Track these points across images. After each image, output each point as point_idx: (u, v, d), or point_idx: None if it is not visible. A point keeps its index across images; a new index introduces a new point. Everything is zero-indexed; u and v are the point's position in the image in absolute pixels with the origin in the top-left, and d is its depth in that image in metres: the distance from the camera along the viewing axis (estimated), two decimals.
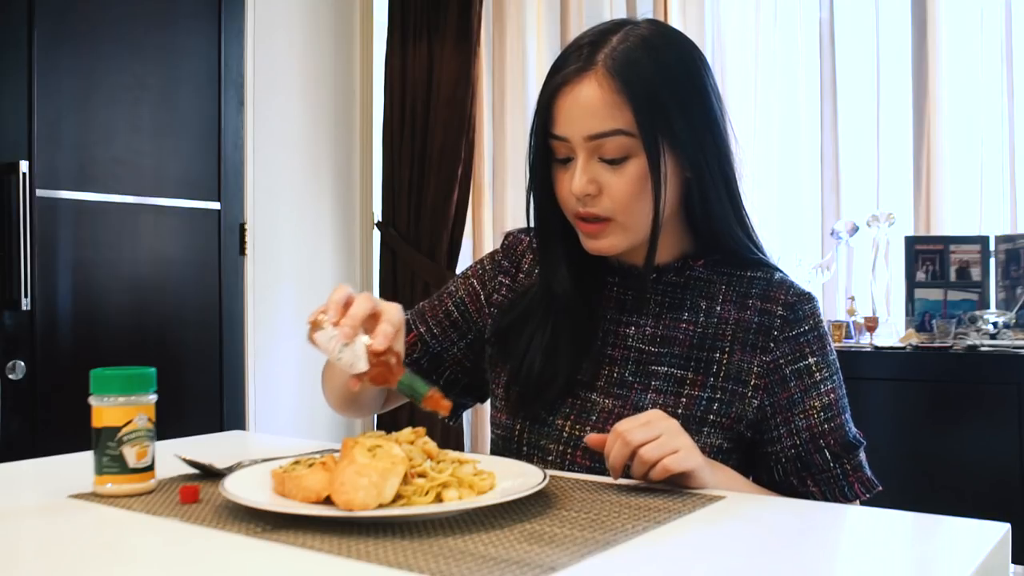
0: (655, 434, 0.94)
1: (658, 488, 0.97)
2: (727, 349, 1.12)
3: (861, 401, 2.49)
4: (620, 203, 1.07)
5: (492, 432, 1.22)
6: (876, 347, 2.59)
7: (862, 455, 1.13)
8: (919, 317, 2.65)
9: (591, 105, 1.05)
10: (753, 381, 1.11)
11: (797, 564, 0.77)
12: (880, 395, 2.50)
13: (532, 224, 1.18)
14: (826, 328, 1.16)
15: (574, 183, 1.07)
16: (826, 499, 1.11)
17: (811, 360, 1.12)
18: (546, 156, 1.11)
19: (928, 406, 2.45)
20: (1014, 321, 2.50)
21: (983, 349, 2.41)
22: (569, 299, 1.15)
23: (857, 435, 1.13)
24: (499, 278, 1.26)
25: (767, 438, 1.12)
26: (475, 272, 1.30)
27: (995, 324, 2.50)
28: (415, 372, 1.27)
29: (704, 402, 1.10)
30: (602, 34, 1.09)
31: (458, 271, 3.31)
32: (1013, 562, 2.06)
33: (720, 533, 0.84)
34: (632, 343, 1.15)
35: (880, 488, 1.13)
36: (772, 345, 1.12)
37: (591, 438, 1.00)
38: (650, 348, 1.14)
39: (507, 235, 1.31)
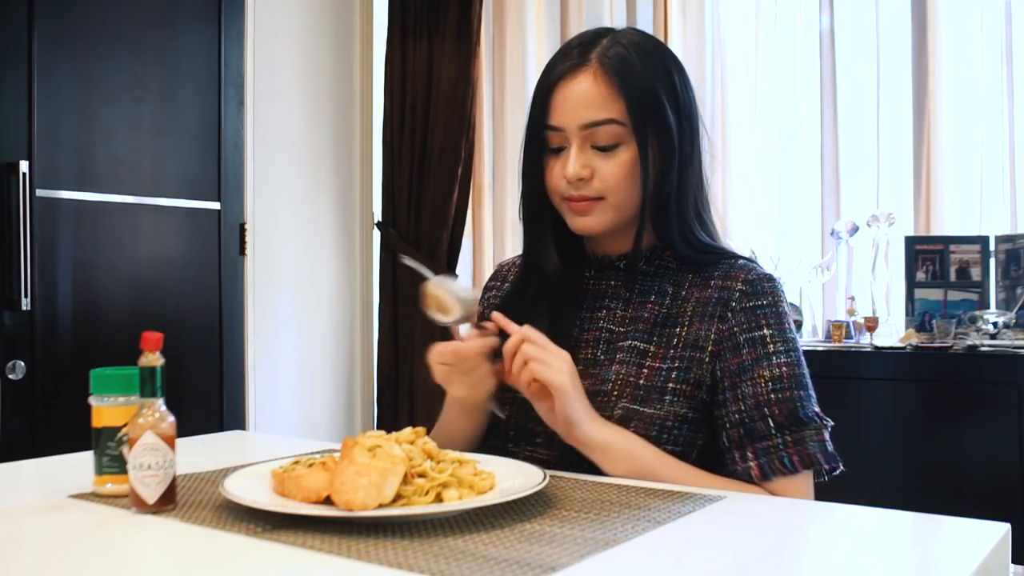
0: (544, 358, 1.04)
1: (658, 488, 0.97)
2: (686, 323, 1.17)
3: (861, 401, 2.50)
4: (610, 186, 1.15)
5: None
6: (876, 347, 2.59)
7: (809, 431, 1.08)
8: (919, 317, 2.65)
9: (586, 97, 1.14)
10: (710, 348, 1.14)
11: (797, 564, 0.77)
12: (880, 395, 2.50)
13: (521, 210, 1.25)
14: (788, 310, 1.17)
15: (568, 167, 1.15)
16: (763, 472, 1.07)
17: (766, 332, 1.13)
18: (539, 146, 1.19)
19: (928, 406, 2.45)
20: (1014, 321, 2.50)
21: (983, 349, 2.41)
22: (559, 276, 1.23)
23: (814, 414, 1.10)
24: (488, 294, 1.37)
25: (715, 402, 1.13)
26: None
27: (995, 324, 2.50)
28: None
29: (664, 372, 1.14)
30: (593, 37, 1.19)
31: (458, 271, 3.33)
32: (1013, 562, 2.06)
33: (720, 533, 0.85)
34: (603, 325, 1.21)
35: (827, 467, 1.08)
36: (729, 315, 1.15)
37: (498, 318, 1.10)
38: (619, 329, 1.20)
39: (498, 265, 1.42)
